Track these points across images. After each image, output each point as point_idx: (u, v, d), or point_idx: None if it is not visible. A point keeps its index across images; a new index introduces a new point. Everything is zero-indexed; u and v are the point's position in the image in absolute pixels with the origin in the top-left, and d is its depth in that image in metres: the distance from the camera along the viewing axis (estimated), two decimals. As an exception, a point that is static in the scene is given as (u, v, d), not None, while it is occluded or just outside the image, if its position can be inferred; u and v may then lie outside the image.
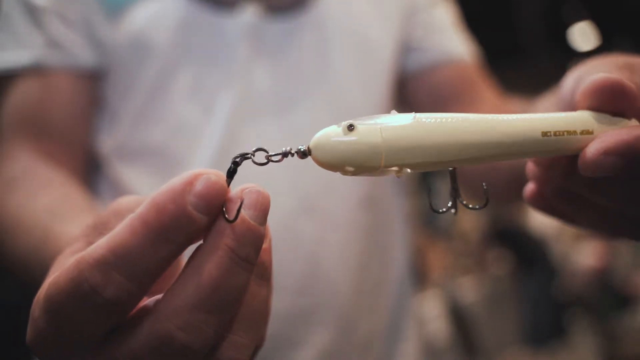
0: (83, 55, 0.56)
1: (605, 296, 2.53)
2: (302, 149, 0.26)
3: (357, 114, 0.63)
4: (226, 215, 0.23)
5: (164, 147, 0.57)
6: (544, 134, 0.27)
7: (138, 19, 0.56)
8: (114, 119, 0.58)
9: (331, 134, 0.25)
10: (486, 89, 0.66)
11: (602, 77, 0.27)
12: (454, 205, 0.28)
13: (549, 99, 0.42)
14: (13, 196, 0.50)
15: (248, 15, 0.58)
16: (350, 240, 0.59)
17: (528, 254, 2.69)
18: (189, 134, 0.57)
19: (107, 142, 0.58)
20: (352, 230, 0.58)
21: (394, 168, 0.25)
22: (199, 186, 0.22)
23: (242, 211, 0.23)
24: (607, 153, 0.26)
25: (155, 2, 0.57)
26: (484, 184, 0.29)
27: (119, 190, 0.57)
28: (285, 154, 0.26)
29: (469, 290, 2.49)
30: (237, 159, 0.25)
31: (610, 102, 0.28)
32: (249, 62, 0.58)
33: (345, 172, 0.25)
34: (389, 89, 0.63)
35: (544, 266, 2.67)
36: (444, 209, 0.28)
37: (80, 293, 0.22)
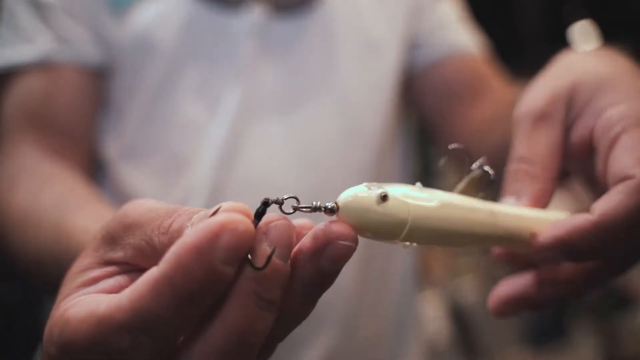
0: (88, 52, 0.56)
1: (605, 297, 2.53)
2: (329, 206, 0.24)
3: (363, 113, 0.64)
4: (253, 263, 0.22)
5: (170, 147, 0.57)
6: (531, 235, 0.31)
7: (143, 17, 0.56)
8: (119, 119, 0.58)
9: (363, 199, 0.25)
10: (495, 81, 0.66)
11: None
12: None
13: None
14: (19, 191, 0.50)
15: (254, 15, 0.58)
16: None
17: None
18: (194, 133, 0.57)
19: (113, 143, 0.58)
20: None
21: (406, 243, 0.26)
22: (227, 239, 0.21)
23: (269, 248, 0.22)
24: (546, 248, 0.30)
25: (161, 1, 0.57)
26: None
27: (123, 193, 0.56)
28: (314, 209, 0.25)
29: (470, 290, 2.48)
30: (267, 201, 0.23)
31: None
32: (255, 62, 0.58)
33: (362, 235, 0.25)
34: (395, 88, 0.63)
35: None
36: None
37: (106, 356, 0.21)
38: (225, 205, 0.22)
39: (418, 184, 0.28)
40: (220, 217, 0.21)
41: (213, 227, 0.21)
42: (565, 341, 2.45)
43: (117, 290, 0.25)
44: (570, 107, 0.34)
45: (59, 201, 0.46)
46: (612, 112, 0.32)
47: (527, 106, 0.35)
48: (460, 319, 2.35)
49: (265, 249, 0.22)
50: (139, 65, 0.57)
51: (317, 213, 0.25)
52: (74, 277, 0.26)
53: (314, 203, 0.25)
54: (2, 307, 1.23)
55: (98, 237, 0.27)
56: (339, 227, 0.23)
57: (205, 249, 0.20)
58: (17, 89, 0.55)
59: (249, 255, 0.22)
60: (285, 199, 0.25)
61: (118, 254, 0.25)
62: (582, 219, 0.30)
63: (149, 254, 0.24)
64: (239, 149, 0.57)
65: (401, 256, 0.66)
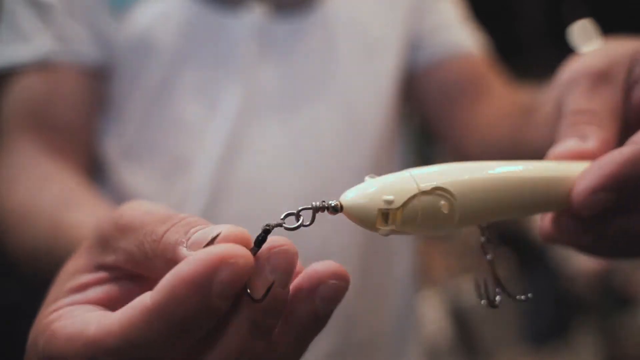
0: (88, 52, 0.56)
1: (606, 297, 2.53)
2: (332, 204, 0.24)
3: (363, 114, 0.64)
4: (252, 295, 0.21)
5: (170, 148, 0.57)
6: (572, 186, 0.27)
7: (143, 17, 0.56)
8: (119, 120, 0.58)
9: (366, 188, 0.24)
10: (496, 81, 0.65)
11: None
12: (501, 296, 0.28)
13: (547, 92, 0.42)
14: (18, 189, 0.50)
15: (254, 16, 0.57)
16: (353, 242, 0.58)
17: (529, 255, 2.69)
18: (194, 134, 0.57)
19: (112, 144, 0.58)
20: (355, 232, 0.58)
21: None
22: (225, 274, 0.20)
23: (269, 276, 0.21)
24: (595, 191, 0.26)
25: (161, 2, 0.57)
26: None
27: (123, 195, 0.56)
28: (317, 209, 0.24)
29: (470, 290, 2.48)
30: (269, 227, 0.22)
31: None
32: (255, 63, 0.58)
33: (376, 227, 0.24)
34: (395, 88, 0.63)
35: (545, 267, 2.67)
36: (495, 304, 0.28)
37: None
38: (225, 231, 0.21)
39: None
40: (219, 249, 0.20)
41: (212, 261, 0.20)
42: (566, 341, 2.45)
43: (105, 302, 0.25)
44: (632, 70, 0.32)
45: (57, 198, 0.46)
46: None
47: (584, 66, 0.33)
48: (460, 319, 2.35)
49: (265, 278, 0.21)
50: (138, 65, 0.57)
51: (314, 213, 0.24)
52: (64, 280, 0.26)
53: (314, 204, 0.24)
54: (2, 307, 1.23)
55: (92, 236, 0.26)
56: (330, 267, 0.23)
57: (203, 283, 0.20)
58: (17, 88, 0.55)
59: (247, 288, 0.21)
60: (283, 218, 0.23)
61: (109, 258, 0.25)
62: (628, 150, 0.26)
63: (140, 260, 0.24)
64: (239, 150, 0.57)
65: (401, 256, 0.66)
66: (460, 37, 0.67)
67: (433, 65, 0.66)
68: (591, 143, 0.30)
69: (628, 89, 0.32)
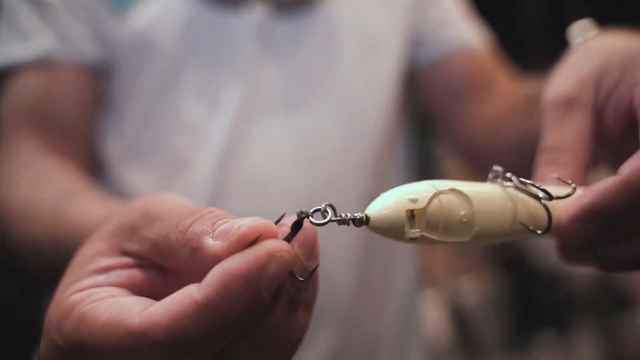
0: (88, 50, 0.56)
1: (606, 297, 2.53)
2: (357, 217, 0.25)
3: (365, 112, 0.64)
4: (296, 275, 0.23)
5: (170, 147, 0.57)
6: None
7: (144, 16, 0.56)
8: (119, 119, 0.58)
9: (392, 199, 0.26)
10: (502, 76, 0.65)
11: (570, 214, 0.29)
12: None
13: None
14: (18, 187, 0.50)
15: (256, 15, 0.57)
16: (354, 242, 0.58)
17: (530, 255, 2.69)
18: (195, 133, 0.57)
19: (113, 143, 0.58)
20: (356, 232, 0.58)
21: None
22: (274, 268, 0.21)
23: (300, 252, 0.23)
24: (577, 220, 0.28)
25: (162, 1, 0.57)
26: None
27: (124, 194, 0.56)
28: (342, 221, 0.25)
29: (470, 290, 2.48)
30: (303, 215, 0.23)
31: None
32: (256, 62, 0.57)
33: (402, 237, 0.25)
34: (398, 86, 0.63)
35: (545, 267, 2.66)
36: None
37: None
38: (254, 223, 0.22)
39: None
40: (267, 246, 0.21)
41: (261, 257, 0.21)
42: (566, 342, 2.45)
43: (130, 285, 0.25)
44: (599, 88, 0.33)
45: (58, 192, 0.46)
46: None
47: (553, 93, 0.34)
48: (460, 319, 2.35)
49: (301, 261, 0.23)
50: (139, 64, 0.57)
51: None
52: (85, 260, 0.25)
53: (342, 215, 0.25)
54: (2, 307, 1.23)
55: (116, 223, 0.26)
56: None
57: (253, 278, 0.20)
58: (17, 87, 0.55)
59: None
60: (327, 206, 0.25)
61: (135, 246, 0.25)
62: (608, 182, 0.28)
63: (164, 251, 0.24)
64: (240, 149, 0.56)
65: (403, 256, 0.66)
66: (464, 32, 0.66)
67: (437, 61, 0.65)
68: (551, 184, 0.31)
69: (599, 109, 0.33)
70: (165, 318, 0.21)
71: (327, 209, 0.24)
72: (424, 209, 0.25)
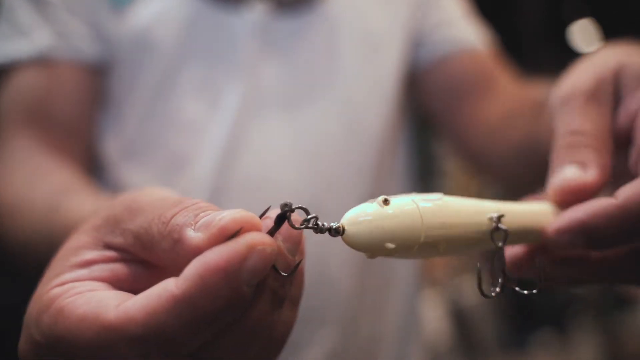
0: (87, 48, 0.56)
1: (606, 297, 2.53)
2: (334, 227, 0.24)
3: (365, 111, 0.63)
4: (279, 270, 0.22)
5: (170, 145, 0.57)
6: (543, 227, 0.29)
7: (143, 14, 0.56)
8: (119, 118, 0.58)
9: (367, 210, 0.24)
10: (503, 77, 0.65)
11: (564, 182, 0.30)
12: (503, 289, 0.28)
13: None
14: (14, 182, 0.50)
15: (256, 13, 0.57)
16: None
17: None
18: (195, 132, 0.56)
19: (112, 142, 0.58)
20: None
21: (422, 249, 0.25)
22: (254, 261, 0.20)
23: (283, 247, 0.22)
24: (566, 231, 0.28)
25: None
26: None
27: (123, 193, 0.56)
28: (319, 230, 0.24)
29: (470, 290, 2.48)
30: (287, 208, 0.22)
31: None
32: (256, 60, 0.57)
33: (379, 252, 0.24)
34: (398, 86, 0.63)
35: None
36: (493, 294, 0.28)
37: None
38: (236, 215, 0.21)
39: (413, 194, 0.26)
40: (247, 239, 0.20)
41: (241, 249, 0.20)
42: (566, 342, 2.45)
43: (113, 280, 0.24)
44: (616, 89, 0.32)
45: (54, 187, 0.46)
46: None
47: (574, 87, 0.33)
48: (460, 319, 2.35)
49: (284, 255, 0.22)
50: (138, 62, 0.57)
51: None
52: (67, 255, 0.25)
53: (319, 224, 0.24)
54: (2, 307, 1.23)
55: (101, 216, 0.26)
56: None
57: (232, 272, 0.20)
58: (16, 84, 0.55)
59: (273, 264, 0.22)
60: (294, 208, 0.23)
61: (118, 240, 0.24)
62: (605, 202, 0.28)
63: (146, 243, 0.23)
64: (240, 147, 0.56)
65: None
66: (465, 32, 0.66)
67: (437, 61, 0.65)
68: (591, 174, 0.30)
69: (614, 110, 0.32)
70: (142, 312, 0.20)
71: (309, 215, 0.23)
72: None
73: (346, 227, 0.23)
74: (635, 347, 2.31)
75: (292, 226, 0.23)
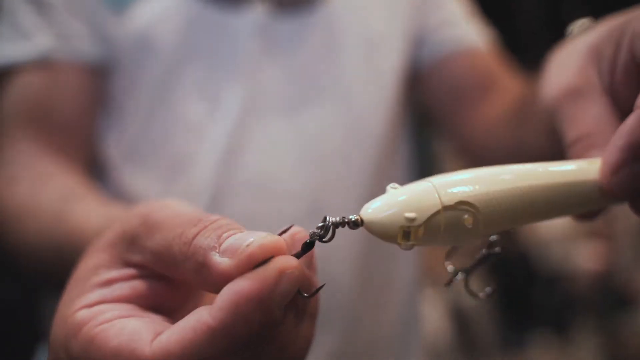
0: (88, 49, 0.56)
1: (606, 297, 2.53)
2: (353, 219, 0.24)
3: (367, 112, 0.63)
4: (302, 293, 0.23)
5: (171, 147, 0.57)
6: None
7: (144, 15, 0.56)
8: (120, 119, 0.57)
9: (387, 200, 0.24)
10: (505, 77, 0.64)
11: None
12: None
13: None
14: (19, 188, 0.49)
15: (256, 14, 0.57)
16: (355, 242, 0.58)
17: (530, 255, 2.69)
18: (196, 133, 0.56)
19: (114, 144, 0.57)
20: (357, 232, 0.58)
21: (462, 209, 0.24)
22: (284, 286, 0.21)
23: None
24: (618, 168, 0.26)
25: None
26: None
27: (125, 195, 0.56)
28: (337, 224, 0.24)
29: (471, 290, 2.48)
30: (316, 236, 0.23)
31: None
32: (257, 61, 0.57)
33: (400, 241, 0.24)
34: (400, 86, 0.63)
35: (545, 268, 2.66)
36: (482, 295, 0.29)
37: None
38: (263, 241, 0.21)
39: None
40: (277, 264, 0.21)
41: (272, 275, 0.21)
42: (567, 342, 2.45)
43: (132, 299, 0.24)
44: (600, 66, 0.31)
45: (59, 193, 0.46)
46: None
47: (555, 89, 0.32)
48: (460, 319, 2.35)
49: (312, 280, 0.24)
50: (139, 63, 0.57)
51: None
52: (87, 273, 0.25)
53: (332, 219, 0.24)
54: (2, 307, 1.23)
55: (116, 231, 0.25)
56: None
57: (265, 298, 0.20)
58: (17, 86, 0.55)
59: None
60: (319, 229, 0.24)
61: (136, 257, 0.24)
62: (630, 117, 0.25)
63: (168, 262, 0.23)
64: (241, 149, 0.56)
65: (404, 256, 0.66)
66: (466, 32, 0.66)
67: (439, 61, 0.65)
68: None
69: (610, 87, 0.31)
70: (178, 346, 0.20)
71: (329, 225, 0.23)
72: (423, 224, 0.23)
73: (363, 216, 0.24)
74: (635, 348, 2.31)
75: (323, 241, 0.24)
